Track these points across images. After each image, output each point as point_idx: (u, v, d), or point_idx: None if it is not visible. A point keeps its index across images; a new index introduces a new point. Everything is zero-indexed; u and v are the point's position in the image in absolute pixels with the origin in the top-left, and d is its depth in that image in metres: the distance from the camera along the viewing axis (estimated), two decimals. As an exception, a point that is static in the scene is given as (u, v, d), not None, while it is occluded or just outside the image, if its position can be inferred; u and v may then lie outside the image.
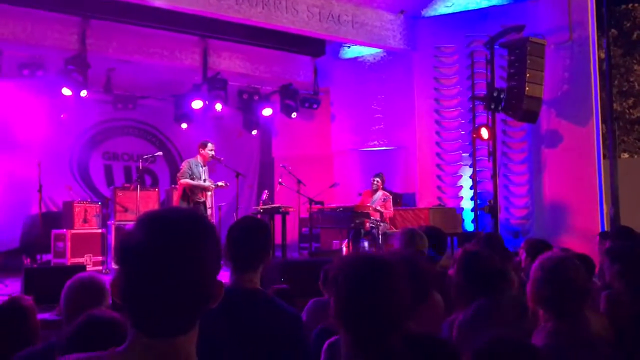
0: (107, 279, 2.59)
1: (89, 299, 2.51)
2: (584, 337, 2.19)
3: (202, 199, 8.22)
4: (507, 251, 4.62)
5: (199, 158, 8.34)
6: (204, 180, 8.25)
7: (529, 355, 1.46)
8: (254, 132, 12.67)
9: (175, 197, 8.53)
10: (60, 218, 9.43)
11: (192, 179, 8.13)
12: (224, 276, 2.61)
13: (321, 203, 9.72)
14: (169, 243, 1.16)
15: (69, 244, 8.78)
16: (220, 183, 8.43)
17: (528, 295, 2.31)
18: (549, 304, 2.22)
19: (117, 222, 9.36)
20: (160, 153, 10.10)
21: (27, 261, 9.23)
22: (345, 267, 1.79)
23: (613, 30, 15.38)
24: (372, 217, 8.86)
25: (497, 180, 9.61)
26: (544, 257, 2.34)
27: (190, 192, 8.13)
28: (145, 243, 1.16)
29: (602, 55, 11.60)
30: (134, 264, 1.16)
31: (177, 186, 8.47)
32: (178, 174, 8.35)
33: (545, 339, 2.12)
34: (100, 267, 9.06)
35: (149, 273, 1.15)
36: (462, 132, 10.62)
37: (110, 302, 2.64)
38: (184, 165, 8.27)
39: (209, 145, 8.34)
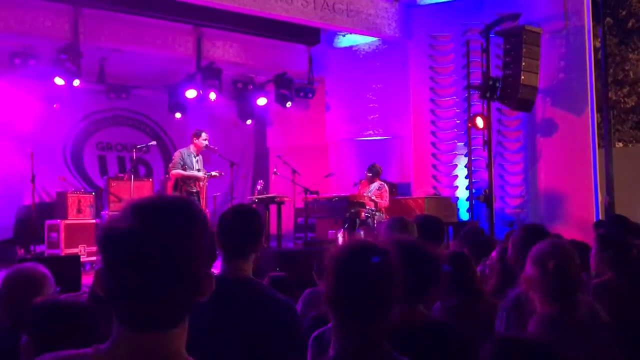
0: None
1: (28, 291, 2.42)
2: (578, 322, 2.19)
3: (196, 189, 8.18)
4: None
5: (191, 147, 8.29)
6: (197, 170, 8.21)
7: (546, 355, 1.44)
8: (249, 121, 12.63)
9: (168, 188, 8.50)
10: (53, 208, 9.39)
11: (184, 169, 8.09)
12: (216, 265, 2.60)
13: (316, 193, 9.68)
14: (157, 232, 1.09)
15: (62, 234, 8.74)
16: (214, 173, 8.39)
17: (526, 284, 2.31)
18: (543, 290, 2.22)
19: (111, 213, 9.32)
20: (154, 143, 10.05)
21: (20, 252, 9.19)
22: (338, 253, 1.78)
23: (608, 18, 15.31)
24: (367, 207, 8.84)
25: (492, 170, 9.60)
26: (537, 245, 2.35)
27: (183, 183, 8.09)
28: (131, 231, 1.08)
29: (598, 44, 11.57)
30: (118, 254, 1.09)
31: (169, 176, 8.45)
32: (170, 165, 8.32)
33: (540, 325, 2.12)
34: (94, 258, 9.02)
35: (134, 264, 1.07)
36: (458, 121, 10.59)
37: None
38: (176, 156, 8.23)
39: (203, 134, 8.30)
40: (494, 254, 3.55)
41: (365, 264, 1.72)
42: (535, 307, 2.28)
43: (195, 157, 8.24)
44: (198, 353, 1.20)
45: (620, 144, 17.10)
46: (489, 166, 9.58)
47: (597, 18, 10.46)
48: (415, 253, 2.17)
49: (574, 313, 2.22)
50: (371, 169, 9.38)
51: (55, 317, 1.97)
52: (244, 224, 2.44)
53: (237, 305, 2.27)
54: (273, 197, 8.98)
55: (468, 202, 10.03)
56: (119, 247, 1.09)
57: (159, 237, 1.09)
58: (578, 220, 9.02)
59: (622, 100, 17.21)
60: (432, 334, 2.09)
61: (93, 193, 9.67)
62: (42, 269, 2.56)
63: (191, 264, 1.11)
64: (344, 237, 8.84)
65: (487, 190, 9.55)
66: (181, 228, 1.11)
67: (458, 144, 10.61)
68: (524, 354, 1.42)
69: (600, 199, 9.58)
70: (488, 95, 9.33)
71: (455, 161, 10.66)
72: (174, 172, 8.07)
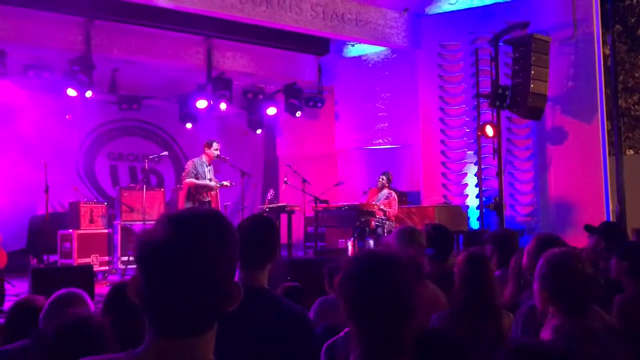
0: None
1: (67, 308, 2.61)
2: (592, 330, 2.18)
3: (207, 199, 8.23)
4: None
5: (203, 157, 8.35)
6: (209, 180, 8.27)
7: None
8: (259, 131, 12.68)
9: (181, 197, 8.55)
10: (66, 218, 9.46)
11: (197, 178, 8.15)
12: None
13: (326, 202, 9.71)
14: (190, 242, 1.15)
15: (75, 244, 8.81)
16: (225, 183, 8.44)
17: (535, 294, 2.29)
18: (559, 298, 2.21)
19: (123, 222, 9.39)
20: (165, 153, 10.11)
21: (33, 262, 9.27)
22: (352, 265, 1.79)
23: (617, 26, 15.30)
24: (377, 216, 8.85)
25: (503, 178, 9.59)
26: (548, 253, 2.34)
27: (195, 192, 8.15)
28: (166, 242, 1.14)
29: (607, 52, 11.56)
30: (153, 263, 1.15)
31: (182, 186, 8.51)
32: (183, 174, 8.38)
33: (553, 334, 2.11)
34: (107, 267, 9.10)
35: (168, 272, 1.13)
36: (467, 130, 10.60)
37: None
38: (189, 165, 8.30)
39: (215, 144, 8.36)
40: (511, 263, 3.53)
41: (381, 274, 1.73)
42: (547, 318, 2.26)
43: (207, 166, 8.30)
44: (215, 361, 1.23)
45: (631, 152, 17.01)
46: (499, 174, 9.57)
47: (606, 25, 10.44)
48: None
49: (587, 323, 2.20)
50: (387, 175, 9.40)
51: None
52: (261, 235, 2.48)
53: (253, 314, 2.29)
54: (283, 206, 9.01)
55: (478, 211, 10.02)
56: (155, 256, 1.15)
57: (192, 247, 1.15)
58: (589, 228, 8.97)
59: (633, 108, 17.14)
60: (428, 345, 2.08)
61: (105, 203, 9.73)
62: (81, 292, 2.79)
63: (221, 273, 1.18)
64: (353, 246, 8.85)
65: (497, 199, 9.54)
66: (213, 239, 1.17)
67: (468, 152, 10.61)
68: None
69: (611, 206, 9.54)
70: (497, 103, 9.34)
71: (465, 169, 10.66)
72: (187, 181, 8.14)
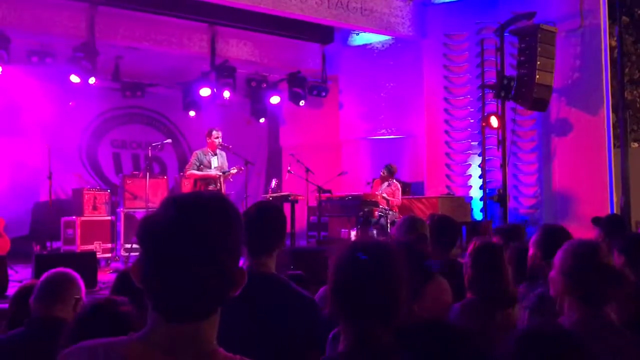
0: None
1: (61, 289, 2.67)
2: (611, 324, 2.14)
3: (215, 188, 8.24)
4: None
5: (207, 147, 8.37)
6: (215, 168, 8.27)
7: (572, 345, 1.43)
8: (262, 120, 12.65)
9: (188, 188, 8.58)
10: (69, 205, 9.48)
11: (201, 169, 8.16)
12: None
13: (329, 191, 9.70)
14: (194, 225, 1.13)
15: (78, 231, 8.83)
16: (233, 170, 8.43)
17: (558, 286, 2.22)
18: (588, 291, 2.15)
19: (126, 210, 9.41)
20: (169, 141, 10.11)
21: (36, 248, 9.28)
22: (336, 252, 1.77)
23: (624, 17, 15.16)
24: (381, 206, 8.84)
25: (507, 169, 9.57)
26: (572, 245, 2.27)
27: (202, 182, 8.18)
28: (170, 223, 1.13)
29: (614, 43, 11.48)
30: (157, 245, 1.13)
31: (185, 175, 8.53)
32: (186, 166, 8.41)
33: (571, 327, 2.06)
34: (110, 254, 9.11)
35: (171, 255, 1.12)
36: (472, 121, 10.56)
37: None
38: (192, 157, 8.36)
39: (214, 132, 8.35)
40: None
41: (357, 262, 1.69)
42: (563, 310, 2.21)
43: (212, 155, 8.30)
44: (224, 347, 1.22)
45: (636, 144, 16.94)
46: (503, 166, 9.55)
47: (613, 17, 10.37)
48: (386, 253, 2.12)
49: (605, 315, 2.16)
50: (387, 168, 9.40)
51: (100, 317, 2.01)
52: (268, 220, 2.48)
53: (262, 300, 2.30)
54: (287, 196, 9.00)
55: (482, 202, 9.99)
56: (158, 238, 1.14)
57: (196, 229, 1.13)
58: (593, 221, 8.94)
59: (638, 100, 17.06)
60: (421, 335, 2.05)
61: (108, 190, 9.75)
62: (73, 272, 2.83)
63: (224, 257, 1.16)
64: (357, 236, 8.84)
65: (501, 190, 9.51)
66: (217, 222, 1.16)
67: (472, 143, 10.57)
68: (547, 346, 1.41)
69: (615, 199, 9.51)
70: (502, 94, 9.30)
71: (469, 161, 10.63)
72: (188, 173, 8.19)
